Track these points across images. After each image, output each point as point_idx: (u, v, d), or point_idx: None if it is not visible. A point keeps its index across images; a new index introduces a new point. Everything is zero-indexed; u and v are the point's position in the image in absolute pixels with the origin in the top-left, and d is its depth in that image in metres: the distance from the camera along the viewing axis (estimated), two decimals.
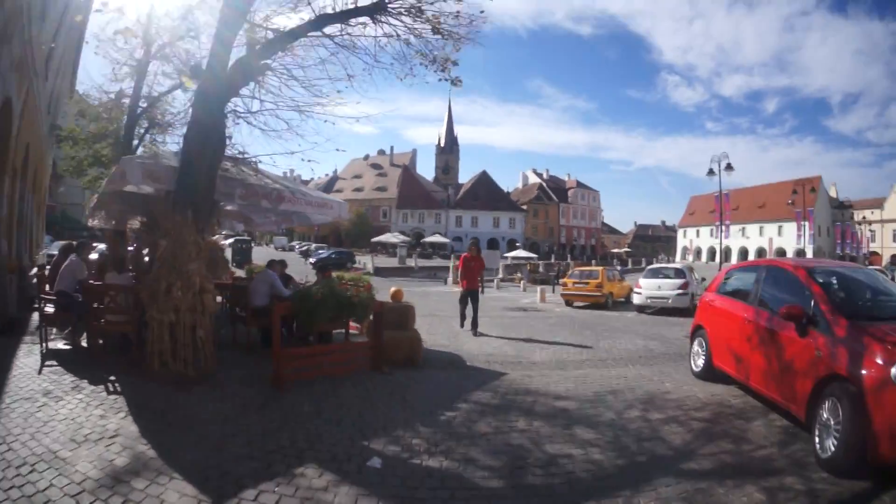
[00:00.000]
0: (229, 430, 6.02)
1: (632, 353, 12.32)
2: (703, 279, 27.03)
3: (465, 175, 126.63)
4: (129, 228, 16.91)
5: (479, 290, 14.96)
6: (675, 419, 7.27)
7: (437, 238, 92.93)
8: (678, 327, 17.18)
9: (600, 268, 27.62)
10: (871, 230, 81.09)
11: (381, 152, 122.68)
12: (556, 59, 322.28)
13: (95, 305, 9.44)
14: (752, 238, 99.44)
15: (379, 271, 49.76)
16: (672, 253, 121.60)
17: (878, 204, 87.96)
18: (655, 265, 28.59)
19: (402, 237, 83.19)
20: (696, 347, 10.08)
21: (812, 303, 6.70)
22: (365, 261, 55.40)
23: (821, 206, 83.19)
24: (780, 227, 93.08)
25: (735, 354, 8.42)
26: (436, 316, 17.94)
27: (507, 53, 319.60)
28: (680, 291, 21.80)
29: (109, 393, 7.27)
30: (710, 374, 9.39)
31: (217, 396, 7.31)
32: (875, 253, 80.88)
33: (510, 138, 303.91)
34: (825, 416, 5.76)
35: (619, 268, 40.61)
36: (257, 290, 10.35)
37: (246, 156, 11.19)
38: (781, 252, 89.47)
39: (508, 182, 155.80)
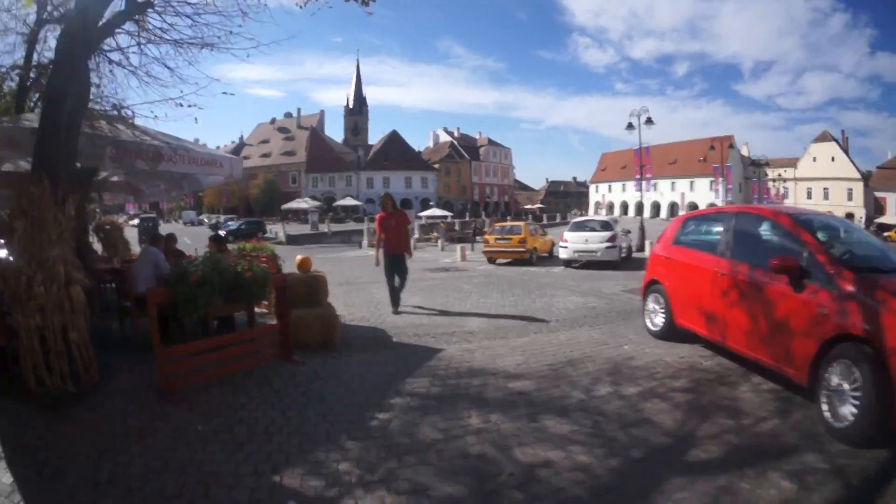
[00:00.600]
0: (105, 470, 4.40)
1: (574, 313, 11.26)
2: (629, 231, 26.77)
3: (375, 136, 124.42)
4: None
5: (407, 254, 11.65)
6: (654, 392, 6.28)
7: (349, 201, 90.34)
8: (612, 281, 16.56)
9: (522, 223, 26.37)
10: (784, 187, 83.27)
11: (288, 115, 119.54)
12: (466, 18, 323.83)
13: None
14: (665, 194, 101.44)
15: (291, 239, 48.00)
16: (584, 208, 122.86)
17: (792, 163, 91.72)
18: (580, 218, 27.52)
19: (313, 202, 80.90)
20: (651, 305, 9.18)
21: (805, 254, 5.94)
22: (276, 229, 53.55)
23: (734, 164, 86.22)
24: (692, 183, 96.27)
25: (705, 312, 7.55)
26: (352, 284, 16.39)
27: (418, 13, 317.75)
28: (608, 244, 20.89)
29: None
30: (670, 332, 8.56)
31: (96, 420, 5.57)
32: None
33: (420, 98, 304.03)
34: (835, 380, 5.14)
35: (544, 222, 39.90)
36: (140, 273, 8.44)
37: (121, 109, 9.40)
38: (694, 206, 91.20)
39: (419, 142, 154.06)
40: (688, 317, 8.04)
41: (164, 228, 53.46)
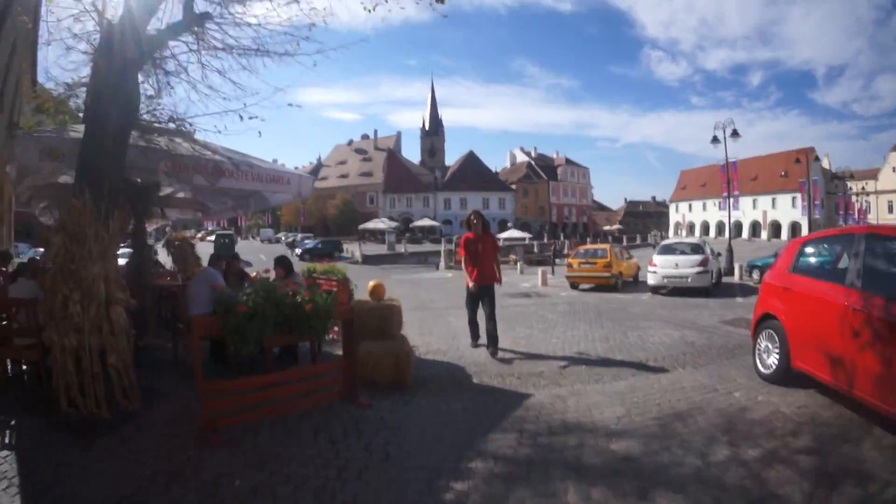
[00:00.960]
0: None
1: (671, 350, 10.07)
2: (719, 254, 25.17)
3: (452, 158, 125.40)
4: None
5: (497, 281, 10.10)
6: (776, 455, 5.20)
7: (426, 222, 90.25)
8: (706, 310, 15.25)
9: (608, 245, 24.97)
10: (866, 201, 78.71)
11: (365, 137, 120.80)
12: (537, 37, 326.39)
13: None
14: (746, 212, 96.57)
15: (367, 259, 48.15)
16: (664, 228, 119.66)
17: (873, 175, 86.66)
18: (669, 240, 25.88)
19: (390, 223, 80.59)
20: (763, 343, 8.00)
21: None
22: (352, 249, 53.71)
23: (817, 178, 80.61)
24: (773, 200, 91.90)
25: (829, 354, 6.39)
26: (428, 309, 15.60)
27: (488, 33, 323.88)
28: (700, 269, 19.43)
29: (1, 447, 5.27)
30: (785, 376, 7.39)
31: (123, 456, 4.94)
32: (869, 224, 77.81)
33: (495, 119, 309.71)
34: None
35: (624, 244, 38.41)
36: (195, 294, 7.89)
37: (179, 122, 8.71)
38: (777, 225, 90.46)
39: (496, 162, 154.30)
40: (808, 359, 6.88)
41: (241, 246, 54.70)
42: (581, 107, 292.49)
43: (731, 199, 33.24)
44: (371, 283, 8.42)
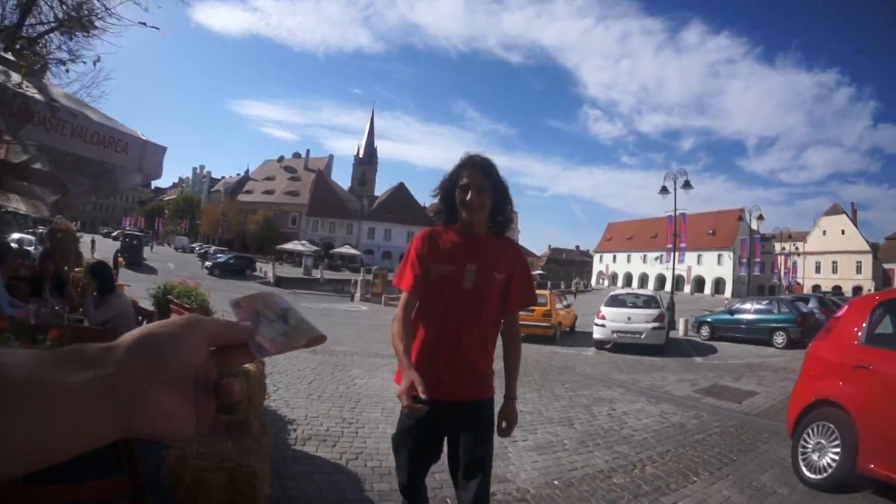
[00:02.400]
0: None
1: (663, 440, 7.42)
2: (670, 308, 23.45)
3: (381, 190, 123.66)
4: None
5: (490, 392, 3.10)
6: None
7: (347, 249, 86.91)
8: (669, 374, 13.24)
9: (546, 291, 21.80)
10: (793, 261, 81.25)
11: (297, 155, 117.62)
12: (483, 84, 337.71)
13: None
14: (669, 266, 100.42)
15: (281, 281, 44.44)
16: (586, 277, 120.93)
17: (801, 237, 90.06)
18: (620, 291, 22.94)
19: (310, 246, 76.97)
20: (813, 439, 6.12)
21: None
22: (266, 269, 50.27)
23: (745, 237, 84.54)
24: (699, 256, 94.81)
25: None
26: (330, 354, 12.01)
27: (436, 74, 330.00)
28: (655, 325, 17.14)
29: None
30: (845, 481, 5.65)
31: None
32: (798, 283, 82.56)
33: (430, 157, 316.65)
34: None
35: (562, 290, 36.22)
36: None
37: None
38: (700, 280, 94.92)
39: (426, 198, 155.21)
40: (888, 461, 5.19)
41: (153, 251, 50.87)
42: (514, 154, 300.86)
43: (677, 253, 30.96)
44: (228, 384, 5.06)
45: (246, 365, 4.50)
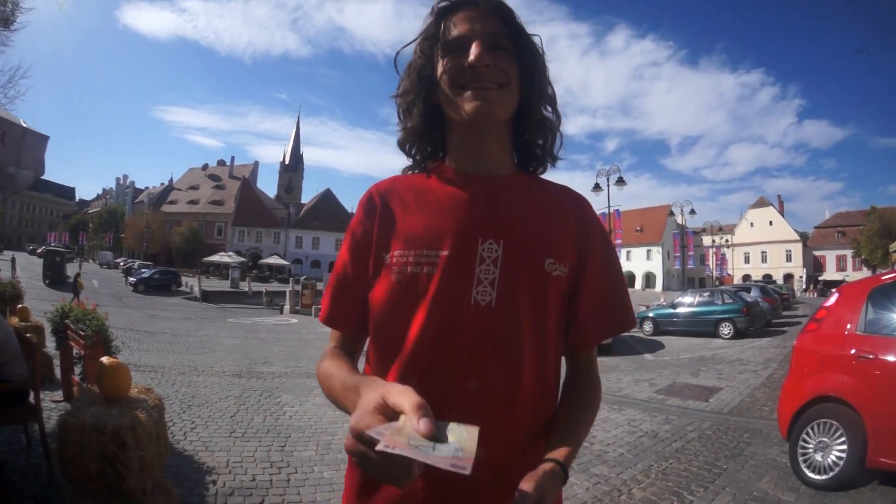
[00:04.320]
0: None
1: (639, 454, 6.63)
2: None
3: (308, 197, 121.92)
4: None
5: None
6: None
7: (275, 260, 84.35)
8: (624, 375, 12.51)
9: None
10: (723, 253, 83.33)
11: (222, 163, 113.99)
12: None
13: None
14: None
15: (207, 296, 43.41)
16: None
17: (729, 230, 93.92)
18: None
19: (236, 257, 74.94)
20: (815, 438, 5.67)
21: None
22: (192, 283, 48.59)
23: (670, 232, 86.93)
24: (628, 252, 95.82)
25: None
26: (256, 378, 10.80)
27: (363, 78, 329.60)
28: None
29: None
30: (854, 478, 5.26)
31: None
32: (729, 275, 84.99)
33: (357, 163, 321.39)
34: None
35: None
36: None
37: None
38: (630, 276, 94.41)
39: (353, 205, 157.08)
40: None
41: (75, 267, 48.56)
42: None
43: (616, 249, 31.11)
44: (101, 364, 3.92)
45: (137, 413, 3.51)
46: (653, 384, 11.21)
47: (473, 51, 1.27)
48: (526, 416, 1.28)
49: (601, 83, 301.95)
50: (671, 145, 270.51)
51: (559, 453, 1.19)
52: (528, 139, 1.43)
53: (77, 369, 6.82)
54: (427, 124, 1.40)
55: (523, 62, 1.33)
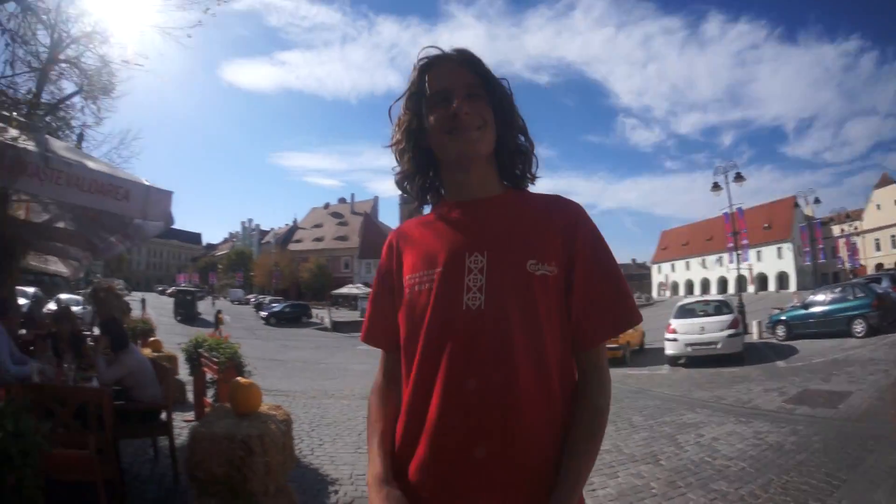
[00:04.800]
0: None
1: (760, 467, 6.34)
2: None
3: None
4: None
5: None
6: None
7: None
8: (754, 385, 11.92)
9: None
10: (853, 243, 76.00)
11: (342, 200, 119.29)
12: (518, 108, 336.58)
13: None
14: (729, 266, 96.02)
15: (337, 326, 44.66)
16: (647, 290, 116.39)
17: (858, 216, 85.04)
18: (687, 301, 21.48)
19: (364, 288, 76.90)
20: None
21: None
22: (322, 314, 50.27)
23: (798, 226, 79.94)
24: (758, 252, 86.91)
25: None
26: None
27: None
28: (731, 331, 15.92)
29: None
30: None
31: None
32: (861, 265, 75.26)
33: None
34: None
35: None
36: None
37: None
38: (763, 277, 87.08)
39: None
40: None
41: (207, 306, 51.29)
42: (558, 175, 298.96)
43: (739, 252, 29.45)
44: (236, 383, 4.41)
45: (269, 425, 3.81)
46: (783, 393, 10.73)
47: (455, 103, 1.51)
48: (525, 410, 1.38)
49: (705, 75, 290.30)
50: (787, 130, 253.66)
51: (564, 488, 1.35)
52: (508, 164, 1.64)
53: (210, 392, 7.34)
54: (416, 167, 1.67)
55: (495, 103, 1.57)
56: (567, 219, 1.53)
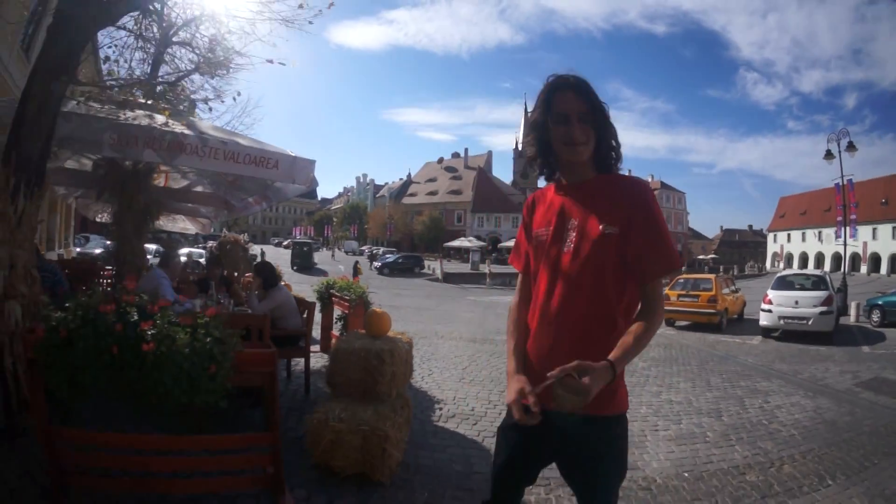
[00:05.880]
0: None
1: (809, 437, 6.95)
2: (839, 290, 21.35)
3: (544, 181, 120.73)
4: None
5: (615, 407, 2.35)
6: None
7: (513, 243, 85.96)
8: (833, 365, 12.11)
9: (713, 276, 21.08)
10: None
11: (456, 155, 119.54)
12: (632, 60, 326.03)
13: None
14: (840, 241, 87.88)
15: (448, 277, 46.17)
16: (761, 259, 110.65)
17: None
18: (787, 272, 21.51)
19: (476, 242, 78.27)
20: None
21: None
22: (434, 266, 51.75)
23: None
24: (874, 230, 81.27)
25: None
26: (489, 342, 12.64)
27: (583, 56, 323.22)
28: (823, 309, 15.85)
29: None
30: None
31: None
32: None
33: None
34: None
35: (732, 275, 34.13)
36: None
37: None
38: (876, 259, 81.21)
39: None
40: None
41: (323, 255, 53.20)
42: (676, 131, 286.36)
43: (847, 227, 28.08)
44: (371, 311, 5.71)
45: (396, 344, 5.02)
46: (856, 376, 10.92)
47: (573, 128, 2.30)
48: (601, 321, 2.27)
49: (826, 29, 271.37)
50: None
51: (612, 354, 2.09)
52: (603, 158, 2.40)
53: (337, 326, 8.79)
54: (539, 156, 2.50)
55: (598, 123, 2.32)
56: (629, 194, 2.32)
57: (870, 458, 6.24)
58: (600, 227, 2.27)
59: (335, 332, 8.83)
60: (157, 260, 10.80)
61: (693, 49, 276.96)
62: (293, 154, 6.71)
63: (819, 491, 5.27)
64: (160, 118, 6.52)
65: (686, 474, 5.47)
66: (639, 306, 2.32)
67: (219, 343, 3.45)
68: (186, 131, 6.30)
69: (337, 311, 9.03)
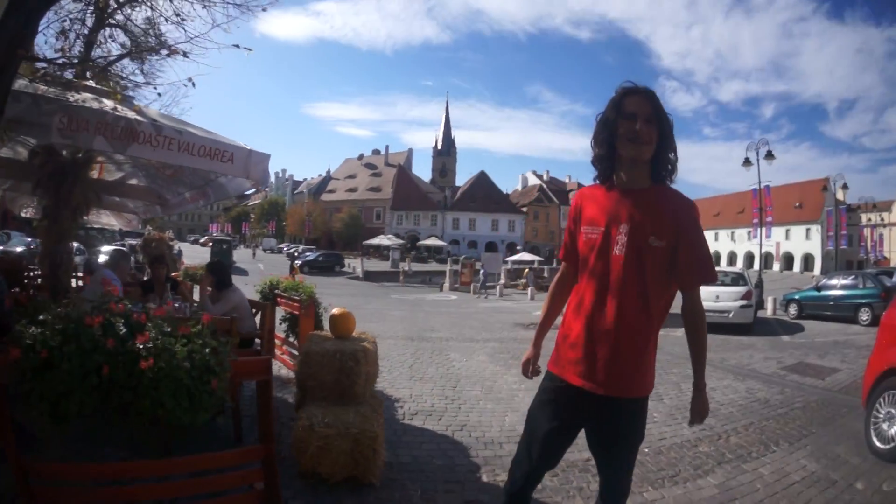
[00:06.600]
0: None
1: (748, 413, 7.65)
2: (758, 285, 22.98)
3: (462, 179, 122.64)
4: None
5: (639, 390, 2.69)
6: None
7: (433, 241, 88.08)
8: (757, 352, 13.18)
9: None
10: (879, 233, 74.86)
11: (377, 152, 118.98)
12: (555, 63, 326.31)
13: None
14: (755, 241, 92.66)
15: (369, 275, 46.21)
16: None
17: (886, 206, 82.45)
18: None
19: (395, 240, 78.54)
20: (885, 409, 6.04)
21: None
22: (354, 264, 52.00)
23: (829, 209, 77.28)
24: (787, 231, 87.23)
25: None
26: (426, 340, 12.81)
27: (507, 58, 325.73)
28: (743, 303, 16.96)
29: None
30: None
31: None
32: (885, 258, 74.23)
33: (508, 143, 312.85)
34: None
35: None
36: None
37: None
38: (789, 257, 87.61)
39: (507, 185, 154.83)
40: None
41: (242, 254, 52.13)
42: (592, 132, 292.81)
43: (763, 228, 29.75)
44: (335, 312, 5.65)
45: (364, 344, 5.02)
46: (780, 362, 11.74)
47: (639, 124, 2.50)
48: (640, 317, 2.55)
49: (750, 43, 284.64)
50: (829, 109, 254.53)
51: (696, 380, 2.77)
52: (659, 166, 2.60)
53: (282, 328, 8.61)
54: (604, 154, 2.65)
55: (661, 130, 2.55)
56: (679, 210, 2.57)
57: (807, 427, 7.00)
58: (650, 236, 2.52)
59: (279, 333, 8.62)
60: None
61: (616, 56, 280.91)
62: (248, 147, 6.61)
63: (767, 456, 5.88)
64: (109, 102, 6.01)
65: (646, 450, 5.77)
66: (669, 309, 2.70)
67: (215, 353, 3.25)
68: (139, 118, 5.82)
69: (280, 312, 8.67)
